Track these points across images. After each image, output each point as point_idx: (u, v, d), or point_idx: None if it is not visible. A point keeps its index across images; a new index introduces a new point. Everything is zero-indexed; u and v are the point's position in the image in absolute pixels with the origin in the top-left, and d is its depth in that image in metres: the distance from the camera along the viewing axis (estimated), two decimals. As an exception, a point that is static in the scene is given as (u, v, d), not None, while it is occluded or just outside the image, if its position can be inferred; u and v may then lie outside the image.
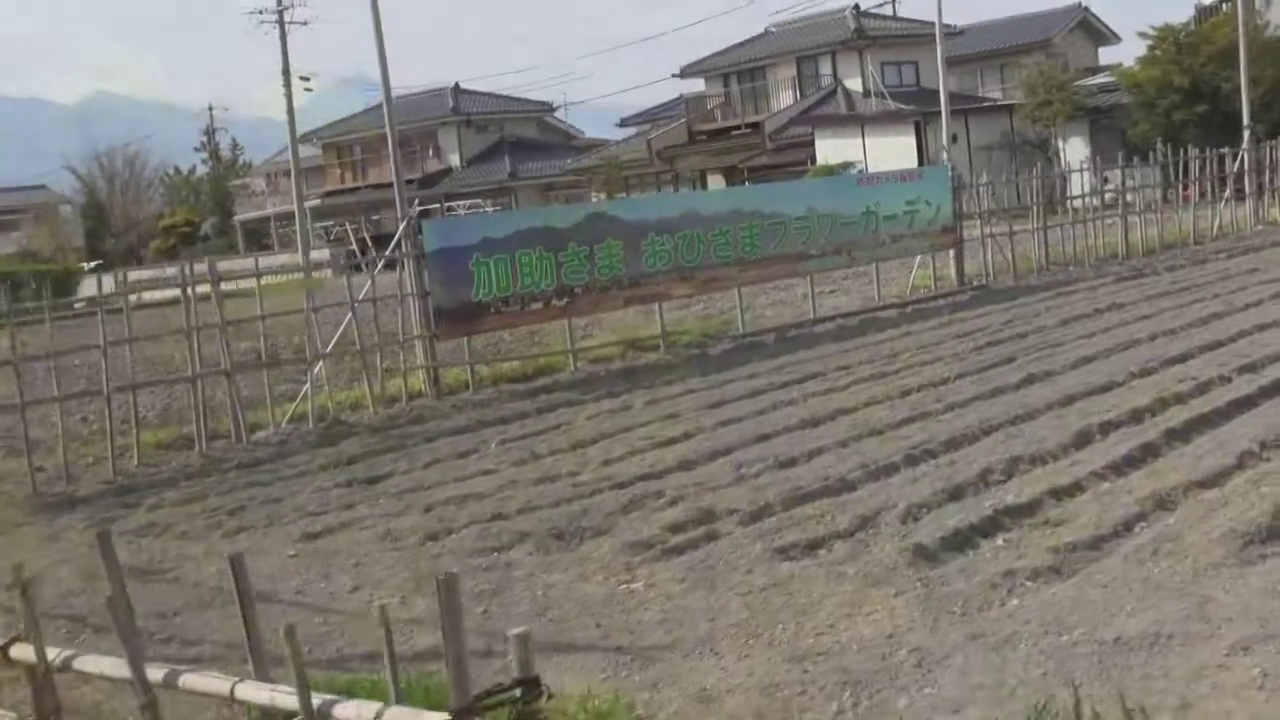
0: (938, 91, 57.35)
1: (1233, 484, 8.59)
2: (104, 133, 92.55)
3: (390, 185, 65.59)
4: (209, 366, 14.79)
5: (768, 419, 12.92)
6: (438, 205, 67.63)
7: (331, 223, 72.14)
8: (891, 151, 48.77)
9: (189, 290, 14.52)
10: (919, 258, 23.05)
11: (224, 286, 14.91)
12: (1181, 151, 28.49)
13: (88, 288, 53.50)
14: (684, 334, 19.48)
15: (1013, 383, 13.24)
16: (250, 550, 9.98)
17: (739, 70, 61.79)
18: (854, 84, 56.83)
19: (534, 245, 17.20)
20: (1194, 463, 9.27)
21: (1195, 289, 19.29)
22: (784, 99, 59.86)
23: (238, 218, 73.45)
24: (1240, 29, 33.09)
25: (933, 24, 60.50)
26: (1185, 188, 28.88)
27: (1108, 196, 29.48)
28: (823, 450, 11.18)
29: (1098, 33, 64.15)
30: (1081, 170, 30.23)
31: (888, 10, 68.26)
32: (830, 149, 50.98)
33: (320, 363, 15.63)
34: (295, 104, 61.89)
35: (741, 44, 63.19)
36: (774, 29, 62.98)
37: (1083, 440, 10.38)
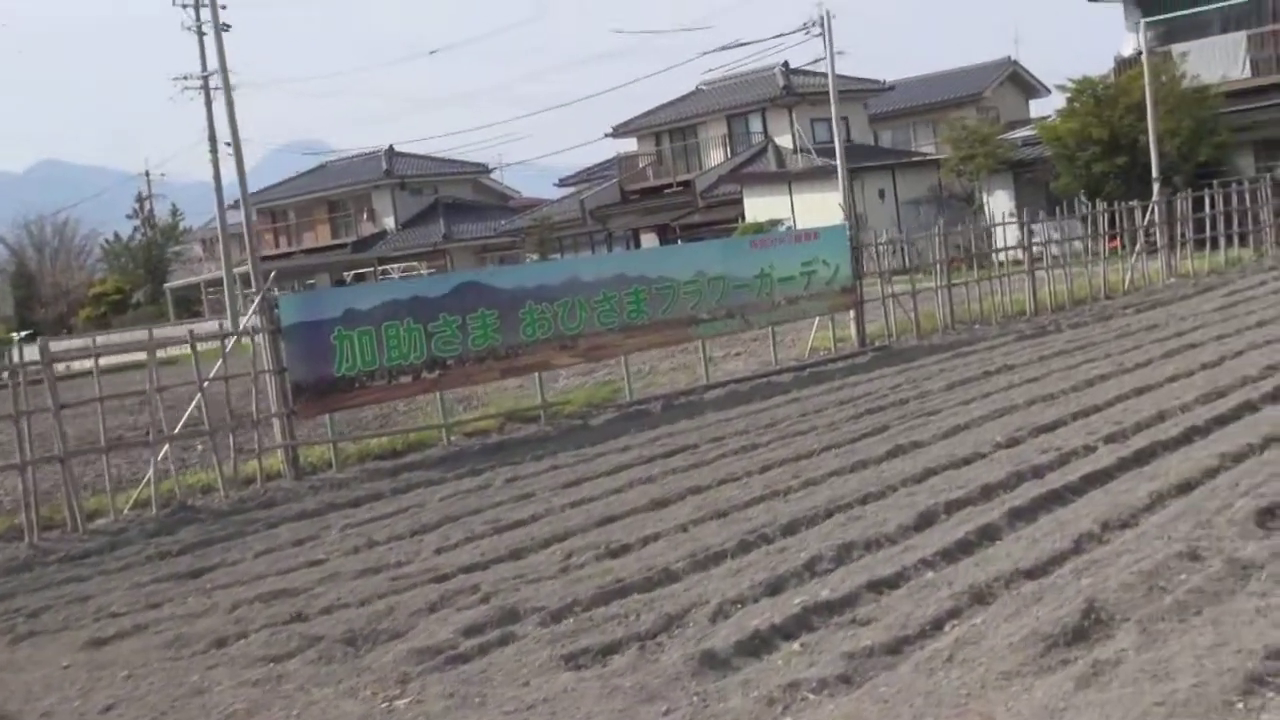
0: (867, 147, 57.85)
1: (1057, 574, 8.01)
2: (50, 199, 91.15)
3: (325, 249, 64.82)
4: (44, 451, 14.05)
5: (619, 499, 12.30)
6: (370, 269, 67.06)
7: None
8: (818, 207, 48.41)
9: (20, 374, 13.78)
10: (818, 319, 22.53)
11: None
12: (1093, 204, 28.20)
13: (16, 357, 52.76)
14: (567, 404, 18.84)
15: (877, 455, 12.67)
16: (28, 660, 9.30)
17: (670, 128, 61.55)
18: (785, 140, 56.73)
19: (401, 317, 16.55)
20: (1027, 548, 8.68)
21: (1090, 348, 18.82)
22: (715, 156, 59.67)
23: (167, 284, 72.48)
24: (1147, 81, 32.94)
25: (864, 80, 61.13)
26: (1111, 239, 28.59)
27: (1035, 249, 29.19)
28: (660, 536, 10.56)
29: (1028, 85, 64.39)
30: (1004, 224, 29.77)
31: (822, 67, 68.65)
32: (759, 206, 50.73)
33: (165, 445, 14.88)
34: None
35: (672, 102, 63.00)
36: (704, 86, 62.79)
37: (925, 521, 9.80)
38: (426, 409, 18.95)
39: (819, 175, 49.55)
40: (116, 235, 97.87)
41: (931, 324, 23.47)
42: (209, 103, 60.25)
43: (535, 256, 60.66)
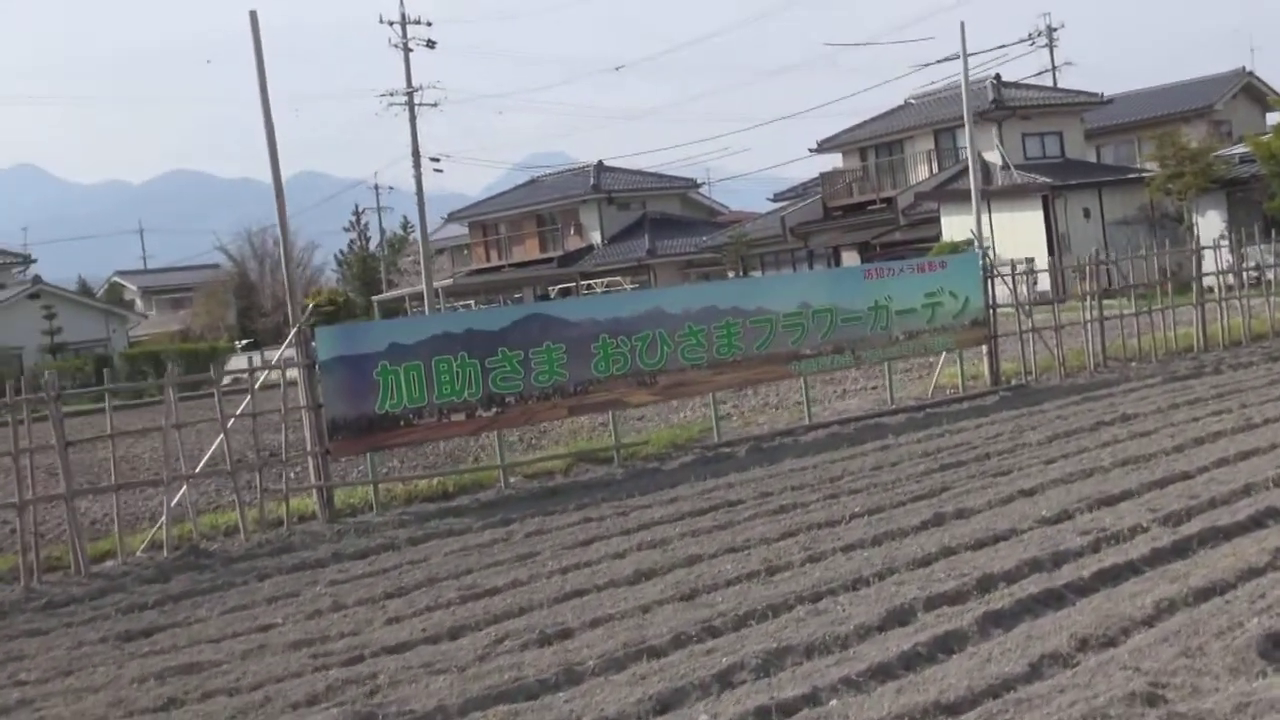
0: (1083, 163, 54.91)
1: (980, 710, 6.51)
2: (254, 210, 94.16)
3: (532, 263, 64.93)
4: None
5: (611, 568, 11.08)
6: (573, 284, 66.86)
7: (473, 301, 71.91)
8: (1018, 227, 46.18)
9: (24, 410, 13.26)
10: (944, 355, 20.80)
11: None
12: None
13: (237, 365, 54.00)
14: (643, 445, 17.62)
15: (910, 526, 11.15)
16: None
17: (876, 143, 59.66)
18: (994, 156, 54.29)
19: (454, 351, 15.60)
20: (974, 670, 7.17)
21: (1231, 395, 16.76)
22: (921, 172, 57.57)
23: (375, 297, 73.63)
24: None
25: (1080, 93, 58.17)
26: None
27: (1247, 275, 26.77)
28: (611, 619, 9.31)
29: (1264, 97, 60.28)
30: (1216, 246, 27.20)
31: (1037, 80, 65.73)
32: (956, 225, 48.43)
33: (184, 485, 14.21)
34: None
35: (879, 117, 61.12)
36: (913, 100, 60.74)
37: (892, 621, 8.33)
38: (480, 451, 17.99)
39: (1016, 193, 47.17)
40: (351, 246, 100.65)
41: (1079, 361, 21.47)
42: (413, 119, 61.04)
43: (734, 274, 59.59)
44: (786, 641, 8.08)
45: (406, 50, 60.84)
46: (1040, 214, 46.38)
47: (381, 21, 60.54)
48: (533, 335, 16.25)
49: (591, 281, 66.53)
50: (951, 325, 20.00)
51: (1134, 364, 21.61)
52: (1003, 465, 13.64)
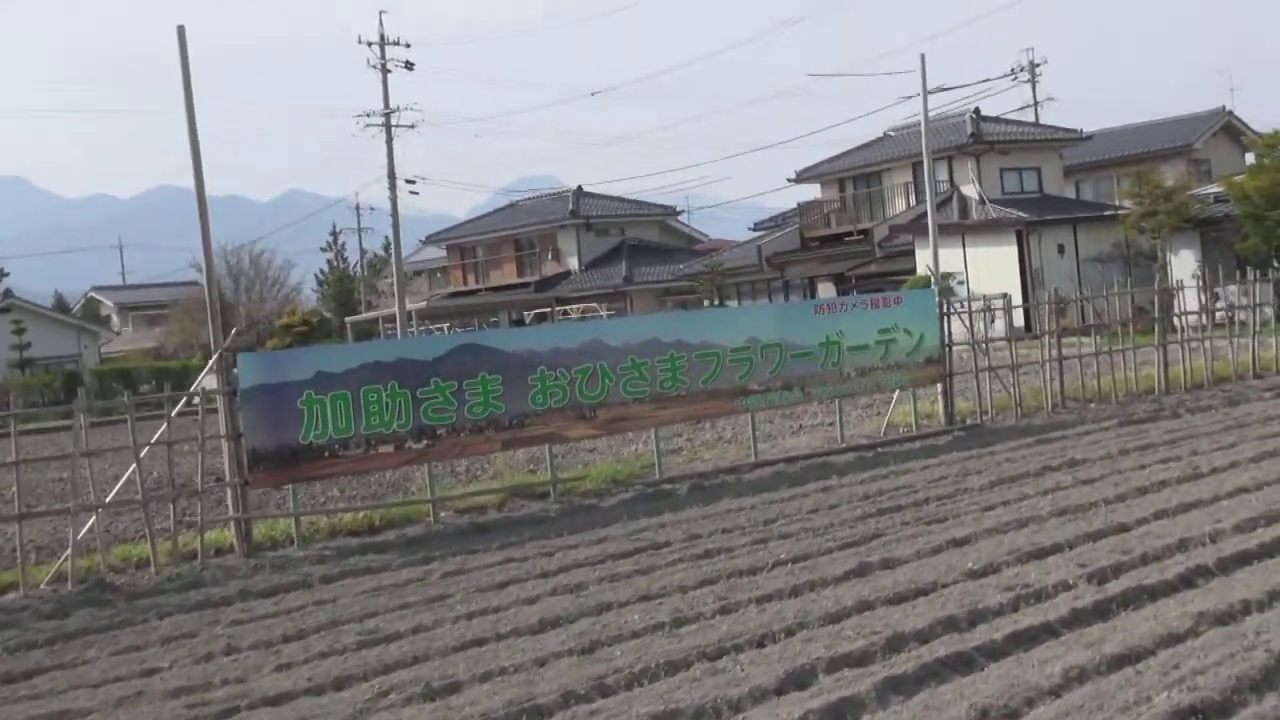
0: (1060, 199, 54.65)
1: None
2: (232, 229, 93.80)
3: (509, 287, 64.38)
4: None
5: (515, 615, 10.55)
6: (549, 310, 66.41)
7: (448, 324, 71.40)
8: (992, 262, 45.89)
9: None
10: (898, 393, 20.37)
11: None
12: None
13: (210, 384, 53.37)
14: (582, 480, 17.14)
15: (834, 575, 10.68)
16: None
17: (855, 175, 59.35)
18: (972, 190, 53.97)
19: (384, 380, 15.12)
20: (860, 743, 6.71)
21: (1184, 441, 16.35)
22: (899, 205, 57.30)
23: (349, 319, 73.06)
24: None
25: (1059, 129, 57.94)
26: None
27: (1219, 315, 26.47)
28: (503, 672, 8.82)
29: (1242, 136, 60.16)
30: (1179, 288, 26.88)
31: (1015, 115, 65.45)
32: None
33: (93, 516, 13.69)
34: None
35: (858, 148, 60.83)
36: (892, 132, 60.47)
37: (788, 685, 7.85)
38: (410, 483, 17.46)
39: (991, 228, 46.88)
40: (330, 265, 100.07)
41: (1037, 401, 21.05)
42: (390, 140, 60.67)
43: (710, 303, 59.21)
44: (676, 704, 7.62)
45: (385, 71, 60.48)
46: (1015, 249, 46.06)
47: (360, 42, 60.21)
48: (467, 365, 15.78)
49: (568, 307, 66.07)
50: (905, 363, 19.58)
51: (1093, 405, 21.20)
52: (940, 511, 13.18)
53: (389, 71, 60.62)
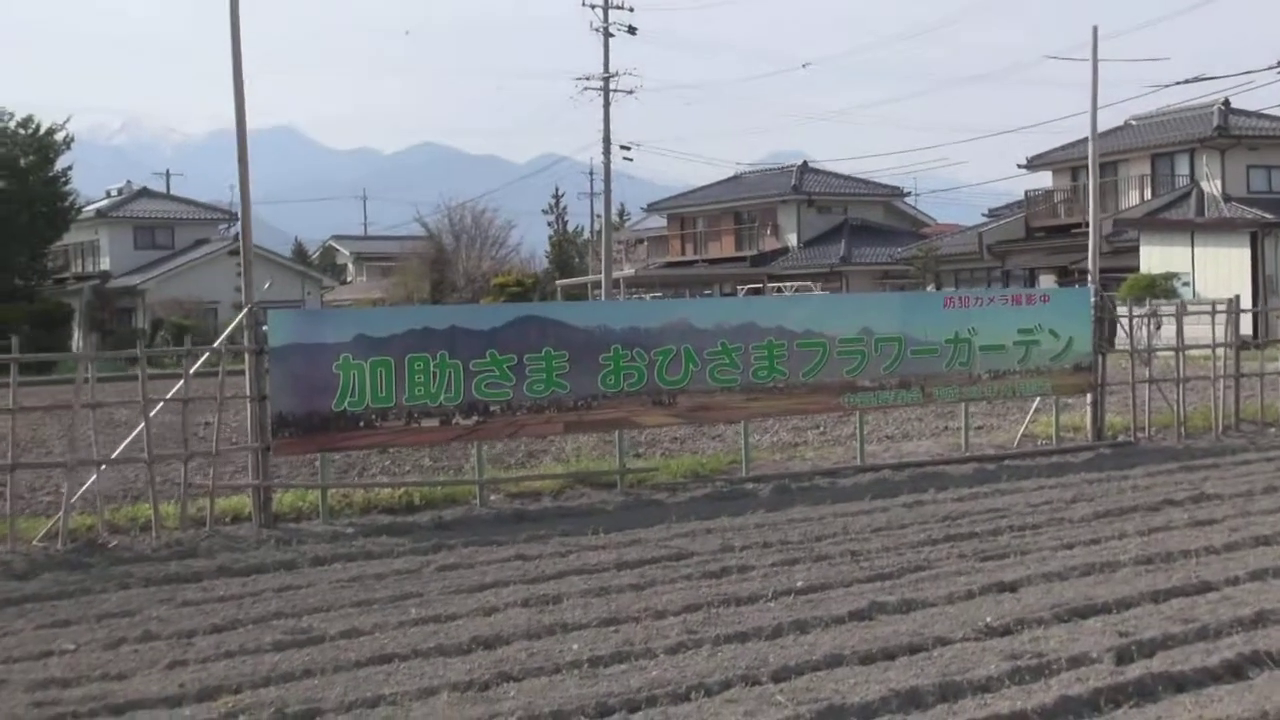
0: (1313, 200, 50.38)
1: None
2: (435, 184, 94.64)
3: (726, 260, 62.98)
4: None
5: (459, 628, 9.15)
6: (760, 285, 64.77)
7: (660, 293, 70.39)
8: (1221, 264, 42.47)
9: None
10: (1037, 401, 18.30)
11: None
12: None
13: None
14: (653, 472, 15.67)
15: (833, 615, 9.04)
16: None
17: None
18: (1212, 187, 50.25)
19: (433, 349, 13.93)
20: None
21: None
22: (1133, 197, 53.91)
23: (559, 281, 72.66)
24: None
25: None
26: None
27: None
28: (377, 701, 7.52)
29: None
30: None
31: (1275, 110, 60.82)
32: (1157, 256, 44.83)
33: (94, 472, 12.84)
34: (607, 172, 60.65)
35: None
36: (1134, 122, 56.88)
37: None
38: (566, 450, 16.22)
39: (1222, 228, 43.38)
40: (552, 227, 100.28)
41: (1206, 421, 18.69)
42: (607, 104, 59.80)
43: (932, 287, 56.79)
44: (513, 772, 6.19)
45: (607, 34, 59.65)
46: (1248, 251, 42.55)
47: (584, 4, 59.44)
48: (530, 339, 14.48)
49: (781, 285, 64.32)
50: (1049, 368, 17.52)
51: (1272, 430, 18.76)
52: (1010, 545, 11.32)
53: (611, 35, 59.77)
